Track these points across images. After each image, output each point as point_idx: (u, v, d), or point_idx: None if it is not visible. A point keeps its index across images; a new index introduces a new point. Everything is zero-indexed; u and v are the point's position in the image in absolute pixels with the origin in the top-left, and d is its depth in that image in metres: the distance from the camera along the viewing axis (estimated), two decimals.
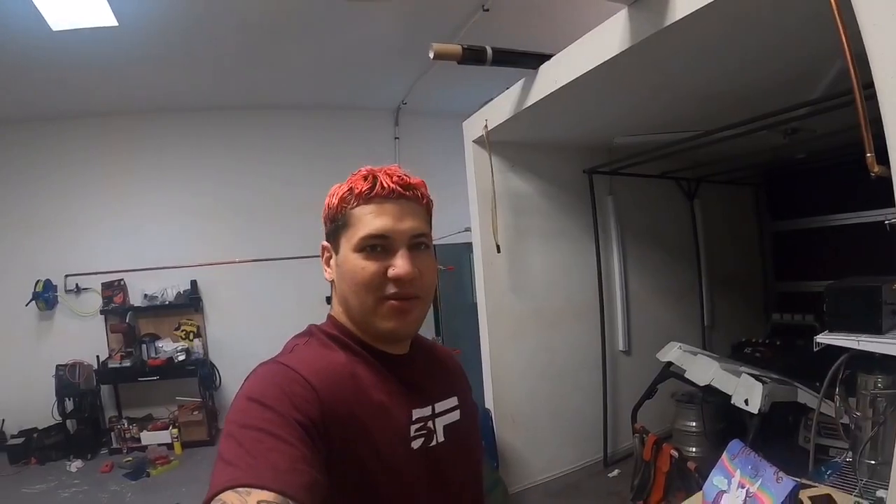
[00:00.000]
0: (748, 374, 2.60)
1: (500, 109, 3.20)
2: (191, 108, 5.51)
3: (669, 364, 3.14)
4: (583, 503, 3.47)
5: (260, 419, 0.68)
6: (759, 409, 2.39)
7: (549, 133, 3.50)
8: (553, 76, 2.64)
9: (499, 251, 3.35)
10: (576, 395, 3.75)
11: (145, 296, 5.36)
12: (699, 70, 2.46)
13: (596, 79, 2.44)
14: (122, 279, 5.37)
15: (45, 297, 5.17)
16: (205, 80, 4.95)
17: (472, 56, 2.55)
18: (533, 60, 2.74)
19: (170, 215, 5.52)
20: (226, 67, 4.69)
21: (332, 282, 0.93)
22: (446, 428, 0.93)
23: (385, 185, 0.85)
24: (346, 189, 0.87)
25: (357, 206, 0.86)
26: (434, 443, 0.90)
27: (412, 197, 0.88)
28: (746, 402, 2.47)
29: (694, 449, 3.23)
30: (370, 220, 0.84)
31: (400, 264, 0.83)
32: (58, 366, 4.95)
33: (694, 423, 3.30)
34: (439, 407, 0.93)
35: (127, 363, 5.06)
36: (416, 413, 0.88)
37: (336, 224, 0.88)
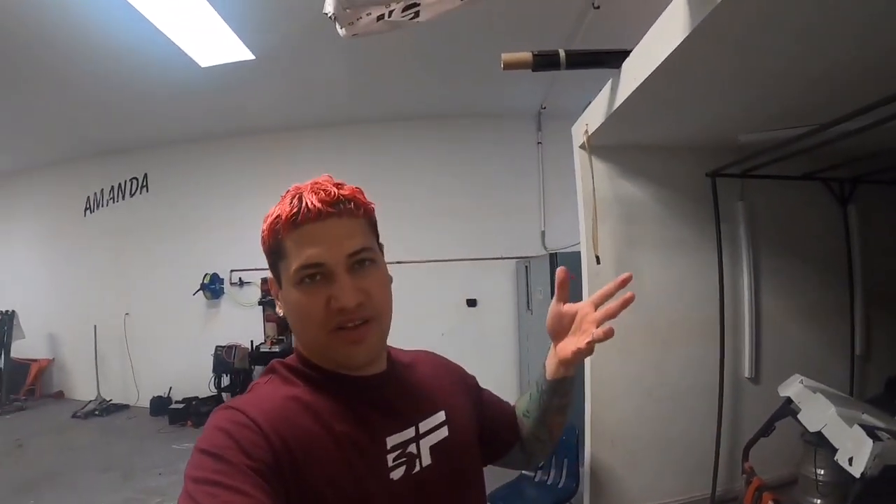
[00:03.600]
0: (865, 425, 2.10)
1: (597, 112, 2.99)
2: (333, 123, 5.98)
3: (790, 400, 2.71)
4: None
5: (212, 471, 0.66)
6: (863, 473, 1.92)
7: (657, 134, 3.18)
8: (633, 73, 2.38)
9: (598, 262, 3.14)
10: (686, 422, 3.37)
11: None
12: (790, 43, 1.95)
13: (673, 69, 2.13)
14: None
15: (212, 288, 6.03)
16: (341, 98, 5.34)
17: (545, 61, 2.41)
18: (613, 59, 2.49)
19: None
20: (361, 84, 4.99)
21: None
22: (433, 448, 0.86)
23: (311, 207, 0.77)
24: (274, 216, 0.80)
25: (287, 234, 0.78)
26: (418, 468, 0.83)
27: (344, 212, 0.80)
28: (851, 461, 2.01)
29: (819, 501, 2.74)
30: (300, 249, 0.77)
31: (339, 295, 0.76)
32: (217, 346, 5.73)
33: (823, 471, 2.81)
34: (424, 426, 0.86)
35: (276, 349, 5.71)
36: (391, 441, 0.81)
37: (273, 258, 0.82)
